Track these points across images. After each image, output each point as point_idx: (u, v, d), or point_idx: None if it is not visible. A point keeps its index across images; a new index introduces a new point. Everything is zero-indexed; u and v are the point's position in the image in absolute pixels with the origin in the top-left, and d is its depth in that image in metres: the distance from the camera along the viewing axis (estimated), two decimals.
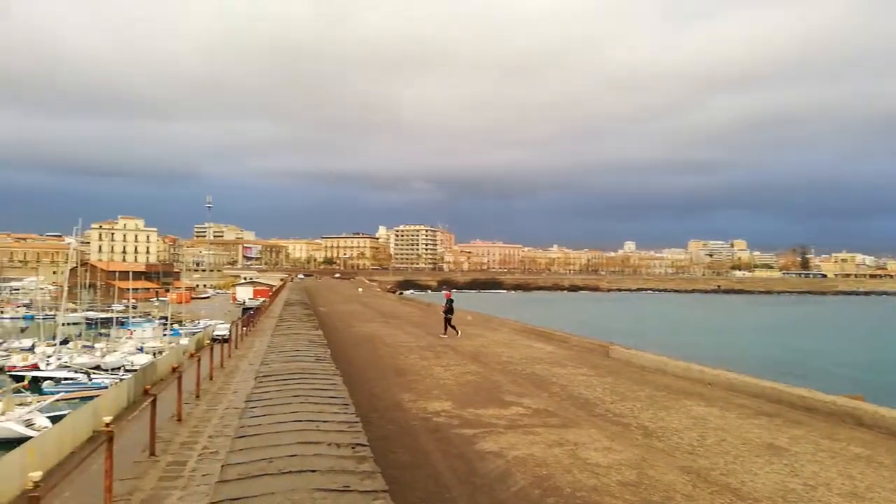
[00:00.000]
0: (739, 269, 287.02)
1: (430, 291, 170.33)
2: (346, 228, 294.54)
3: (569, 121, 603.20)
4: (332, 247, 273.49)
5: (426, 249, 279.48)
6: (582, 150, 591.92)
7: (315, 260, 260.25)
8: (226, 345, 20.28)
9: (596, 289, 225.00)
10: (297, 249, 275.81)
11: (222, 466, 7.55)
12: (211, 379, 14.49)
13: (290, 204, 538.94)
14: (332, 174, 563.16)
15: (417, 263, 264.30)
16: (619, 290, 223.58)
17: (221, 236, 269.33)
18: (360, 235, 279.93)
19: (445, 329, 24.95)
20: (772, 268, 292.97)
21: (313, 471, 7.00)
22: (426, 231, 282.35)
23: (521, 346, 22.62)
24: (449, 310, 25.24)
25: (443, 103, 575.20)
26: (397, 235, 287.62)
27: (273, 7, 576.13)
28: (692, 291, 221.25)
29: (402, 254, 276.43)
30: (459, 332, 24.77)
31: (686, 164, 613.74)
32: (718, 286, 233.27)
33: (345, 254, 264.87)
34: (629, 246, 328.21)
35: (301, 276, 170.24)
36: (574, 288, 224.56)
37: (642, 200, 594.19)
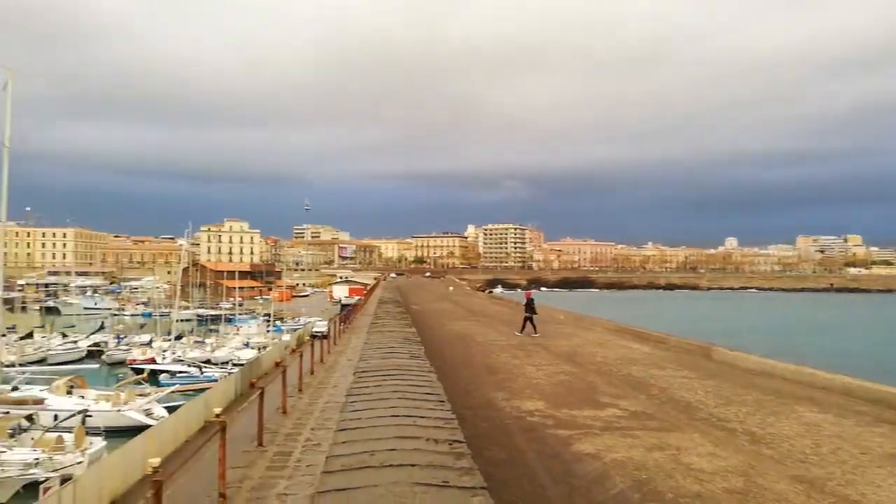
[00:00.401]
0: (854, 266, 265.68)
1: (519, 290, 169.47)
2: (436, 228, 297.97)
3: (666, 114, 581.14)
4: (422, 246, 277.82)
5: (515, 248, 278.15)
6: (679, 144, 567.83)
7: (406, 259, 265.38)
8: (325, 341, 21.10)
9: (695, 287, 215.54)
10: (389, 249, 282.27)
11: (327, 458, 7.87)
12: (312, 374, 15.11)
13: (382, 205, 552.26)
14: (423, 175, 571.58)
15: (506, 262, 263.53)
16: (721, 288, 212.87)
17: (318, 237, 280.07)
18: (450, 235, 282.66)
19: (523, 327, 24.82)
20: (892, 264, 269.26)
21: (413, 465, 7.17)
22: (515, 230, 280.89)
23: (615, 346, 22.07)
24: (529, 308, 25.12)
25: (535, 101, 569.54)
26: (486, 234, 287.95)
27: (368, 18, 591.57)
28: (801, 290, 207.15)
29: (490, 252, 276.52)
30: (538, 332, 24.60)
31: (794, 155, 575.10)
32: (831, 284, 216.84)
33: (434, 253, 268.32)
34: (730, 242, 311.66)
35: (393, 274, 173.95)
36: (671, 286, 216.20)
37: (745, 195, 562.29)
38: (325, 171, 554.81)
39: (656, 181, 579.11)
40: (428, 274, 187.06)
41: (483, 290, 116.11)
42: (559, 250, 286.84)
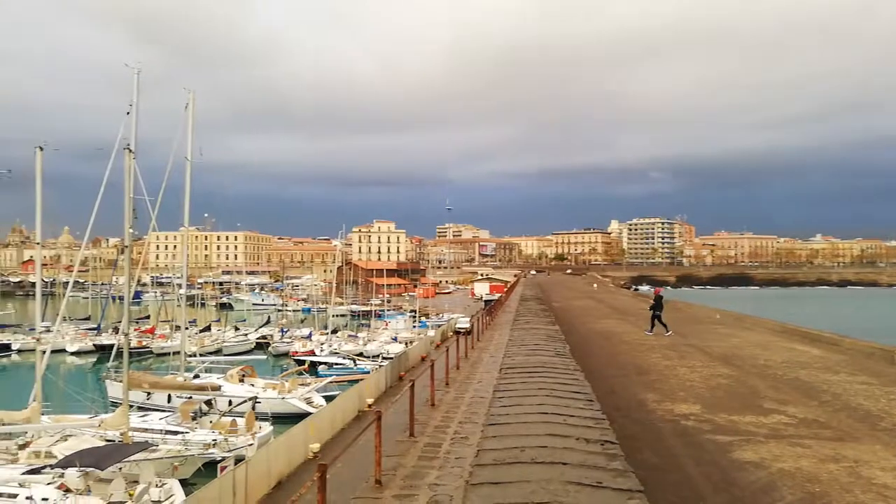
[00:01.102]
0: None
1: (668, 288, 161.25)
2: (577, 224, 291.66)
3: (833, 95, 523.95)
4: (562, 243, 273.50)
5: (662, 243, 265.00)
6: (850, 126, 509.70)
7: (546, 256, 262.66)
8: (468, 337, 21.46)
9: (873, 284, 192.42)
10: (529, 246, 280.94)
11: (477, 451, 8.00)
12: (457, 368, 15.44)
13: (522, 202, 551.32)
14: (563, 171, 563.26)
15: (653, 258, 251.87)
16: None
17: (460, 235, 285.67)
18: (592, 231, 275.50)
19: (653, 325, 23.70)
20: None
21: (564, 463, 7.08)
22: (662, 224, 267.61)
23: (780, 348, 20.28)
24: (657, 306, 23.94)
25: (682, 88, 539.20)
26: (630, 229, 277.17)
27: (503, 15, 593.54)
28: None
29: (635, 248, 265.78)
30: (670, 331, 23.30)
31: None
32: None
33: (575, 249, 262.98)
34: None
35: (533, 272, 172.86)
36: (844, 283, 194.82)
37: None
38: (466, 172, 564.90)
39: (823, 167, 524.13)
40: (569, 271, 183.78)
41: (628, 288, 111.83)
42: (712, 245, 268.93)
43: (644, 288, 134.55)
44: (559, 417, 9.39)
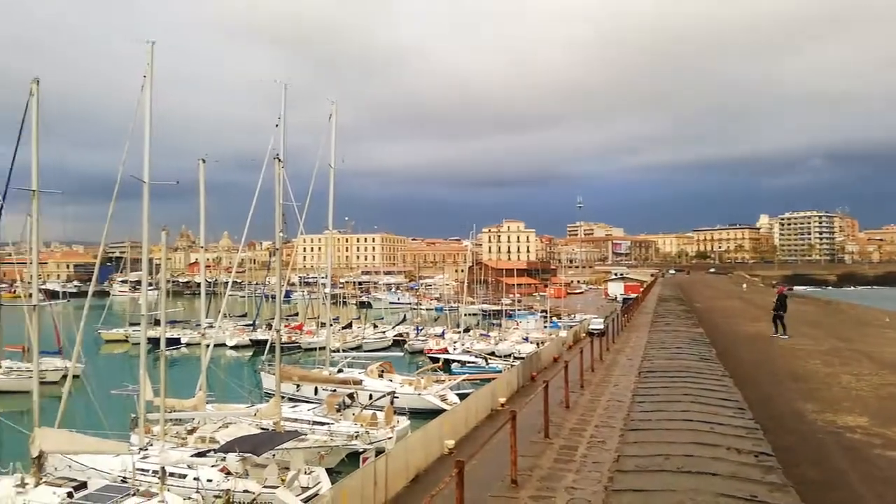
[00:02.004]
0: None
1: (829, 287, 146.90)
2: (721, 220, 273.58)
3: None
4: (704, 240, 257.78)
5: (820, 238, 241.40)
6: None
7: (686, 254, 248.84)
8: (602, 339, 20.85)
9: None
10: (667, 244, 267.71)
11: (618, 457, 7.74)
12: (592, 370, 15.05)
13: (659, 198, 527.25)
14: (705, 164, 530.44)
15: (809, 255, 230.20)
16: None
17: (592, 234, 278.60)
18: (738, 226, 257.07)
19: (776, 328, 22.02)
20: None
21: (714, 474, 6.65)
22: (820, 217, 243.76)
23: None
24: (780, 306, 22.06)
25: (844, 70, 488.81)
26: (782, 224, 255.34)
27: (646, 1, 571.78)
28: None
29: (788, 245, 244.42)
30: (789, 334, 21.50)
31: None
32: None
33: (719, 247, 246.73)
34: None
35: (672, 271, 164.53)
36: None
37: None
38: (599, 168, 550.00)
39: None
40: (712, 270, 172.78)
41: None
42: (880, 240, 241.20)
43: (799, 288, 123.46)
44: (706, 425, 8.84)
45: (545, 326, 59.99)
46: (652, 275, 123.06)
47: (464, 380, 34.15)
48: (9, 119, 17.67)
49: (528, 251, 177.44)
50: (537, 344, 45.84)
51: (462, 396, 27.20)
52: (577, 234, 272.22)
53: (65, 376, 20.88)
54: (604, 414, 10.43)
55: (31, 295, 18.70)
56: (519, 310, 76.57)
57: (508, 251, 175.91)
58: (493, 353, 46.73)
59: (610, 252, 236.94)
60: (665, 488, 6.42)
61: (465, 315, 63.81)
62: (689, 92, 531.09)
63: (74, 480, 16.29)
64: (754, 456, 7.41)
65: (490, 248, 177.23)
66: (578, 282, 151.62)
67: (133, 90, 20.07)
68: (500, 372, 32.91)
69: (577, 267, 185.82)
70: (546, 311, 67.13)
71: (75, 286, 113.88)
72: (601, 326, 30.16)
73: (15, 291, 42.78)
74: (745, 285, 75.79)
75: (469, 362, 42.83)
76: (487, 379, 28.75)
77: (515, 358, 40.84)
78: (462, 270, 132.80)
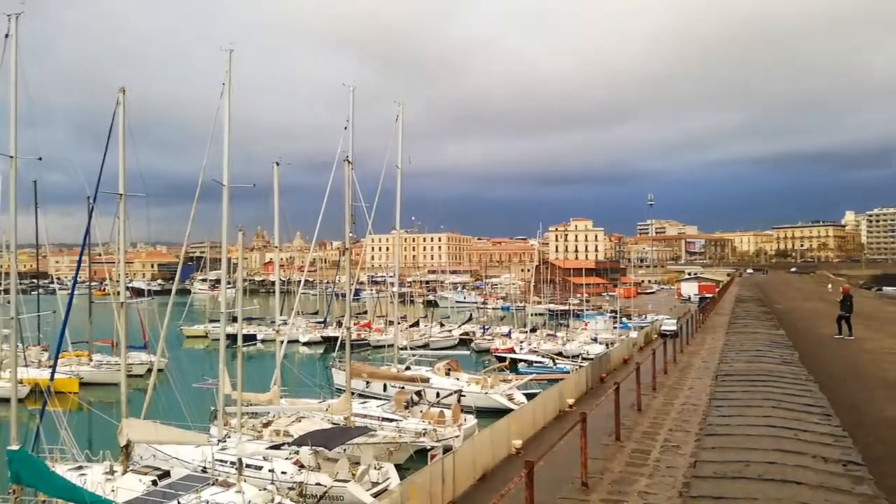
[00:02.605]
0: None
1: None
2: (803, 217, 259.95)
3: None
4: (785, 238, 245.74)
5: None
6: None
7: (765, 253, 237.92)
8: (675, 340, 20.19)
9: None
10: (744, 242, 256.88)
11: (696, 462, 7.47)
12: (665, 373, 14.61)
13: (735, 194, 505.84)
14: (783, 157, 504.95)
15: None
16: None
17: (663, 232, 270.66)
18: (821, 223, 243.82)
19: (840, 329, 20.96)
20: None
21: (798, 483, 6.30)
22: None
23: None
24: (846, 306, 21.01)
25: None
26: (870, 221, 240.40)
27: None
28: None
29: (878, 243, 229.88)
30: (854, 335, 20.44)
31: None
32: None
33: (801, 245, 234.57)
34: None
35: (749, 270, 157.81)
36: None
37: None
38: (671, 164, 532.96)
39: None
40: (793, 269, 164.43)
41: (868, 288, 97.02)
42: None
43: (889, 289, 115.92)
44: (789, 432, 8.40)
45: (614, 327, 58.79)
46: (728, 274, 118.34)
47: (531, 380, 33.88)
48: (103, 126, 18.71)
49: (596, 250, 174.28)
50: (606, 345, 44.97)
51: (529, 396, 26.95)
52: (647, 233, 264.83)
53: (150, 370, 22.01)
54: (678, 418, 10.09)
55: (118, 293, 19.81)
56: (587, 310, 75.34)
57: (576, 250, 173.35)
58: (560, 354, 46.17)
59: (683, 251, 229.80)
60: (746, 496, 6.14)
61: (532, 315, 63.30)
62: (768, 83, 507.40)
63: (158, 469, 17.13)
64: (842, 465, 7.00)
65: (557, 246, 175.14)
66: (649, 281, 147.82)
67: (212, 97, 20.95)
68: (567, 373, 32.45)
69: (647, 266, 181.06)
70: (615, 312, 65.76)
71: (159, 284, 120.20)
72: (674, 327, 29.27)
73: (104, 289, 45.47)
74: (829, 286, 71.67)
75: (536, 362, 42.47)
76: (555, 379, 28.39)
77: (584, 359, 40.22)
78: (528, 270, 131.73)
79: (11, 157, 14.34)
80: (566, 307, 74.82)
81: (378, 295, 74.65)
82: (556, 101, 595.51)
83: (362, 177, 30.22)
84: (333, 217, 29.52)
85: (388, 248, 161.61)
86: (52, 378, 20.94)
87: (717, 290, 67.47)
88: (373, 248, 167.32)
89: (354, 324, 55.39)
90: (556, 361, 42.08)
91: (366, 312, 72.54)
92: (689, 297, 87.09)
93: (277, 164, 28.07)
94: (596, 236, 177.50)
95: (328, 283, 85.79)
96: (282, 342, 27.28)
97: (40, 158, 15.41)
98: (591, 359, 29.05)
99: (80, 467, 17.54)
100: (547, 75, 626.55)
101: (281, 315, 43.95)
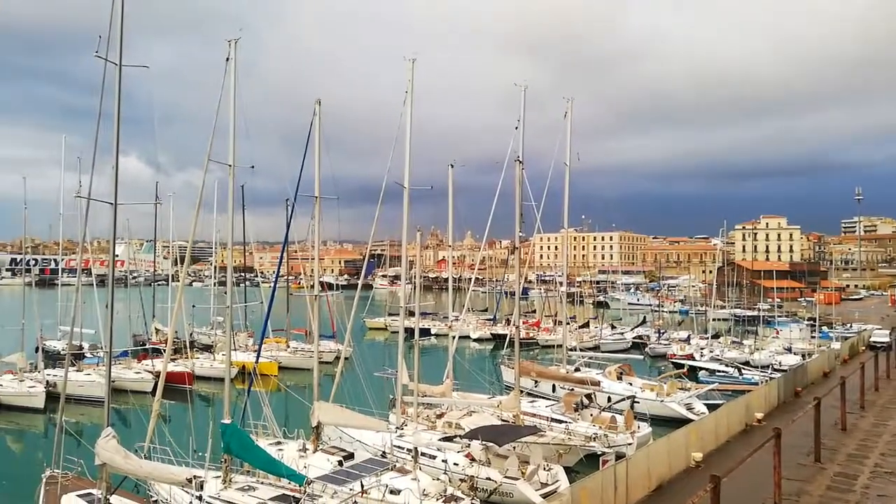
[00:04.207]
0: None
1: None
2: None
3: None
4: None
5: None
6: None
7: None
8: (888, 353, 17.71)
9: None
10: None
11: None
12: (876, 390, 12.90)
13: None
14: None
15: None
16: None
17: (874, 230, 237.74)
18: None
19: None
20: None
21: None
22: None
23: None
24: None
25: None
26: None
27: None
28: None
29: None
30: None
31: None
32: None
33: None
34: None
35: None
36: None
37: None
38: (880, 154, 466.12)
39: None
40: None
41: None
42: None
43: None
44: None
45: (813, 336, 53.05)
46: None
47: (712, 389, 31.72)
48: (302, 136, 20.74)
49: (790, 250, 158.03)
50: (803, 356, 41.00)
51: (711, 407, 25.29)
52: (854, 231, 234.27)
53: (338, 357, 23.98)
54: (892, 440, 8.87)
55: (312, 286, 21.83)
56: (779, 316, 68.90)
57: (766, 250, 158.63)
58: (747, 363, 42.75)
59: None
60: None
61: (714, 320, 59.18)
62: None
63: (344, 451, 18.60)
64: None
65: (744, 246, 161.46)
66: (856, 286, 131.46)
67: (395, 104, 22.31)
68: (756, 384, 29.94)
69: (854, 269, 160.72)
70: (814, 319, 59.39)
71: (345, 279, 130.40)
72: (887, 339, 25.73)
73: (300, 283, 50.34)
74: None
75: (719, 371, 39.75)
76: (741, 391, 26.25)
77: (774, 370, 36.88)
78: (710, 271, 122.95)
79: (230, 165, 16.44)
80: (755, 312, 69.30)
81: (546, 294, 74.29)
82: (741, 89, 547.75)
83: (531, 175, 30.36)
84: (502, 216, 30.04)
85: (556, 247, 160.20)
86: (257, 361, 23.68)
87: None
88: (541, 247, 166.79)
89: (523, 322, 55.77)
90: (743, 371, 39.00)
91: (534, 311, 72.59)
92: None
93: (452, 165, 29.12)
94: (791, 235, 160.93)
95: (497, 280, 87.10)
96: (454, 337, 28.26)
97: (252, 167, 17.45)
98: (785, 370, 26.50)
99: (279, 443, 19.59)
100: (732, 61, 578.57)
101: (453, 311, 45.49)
